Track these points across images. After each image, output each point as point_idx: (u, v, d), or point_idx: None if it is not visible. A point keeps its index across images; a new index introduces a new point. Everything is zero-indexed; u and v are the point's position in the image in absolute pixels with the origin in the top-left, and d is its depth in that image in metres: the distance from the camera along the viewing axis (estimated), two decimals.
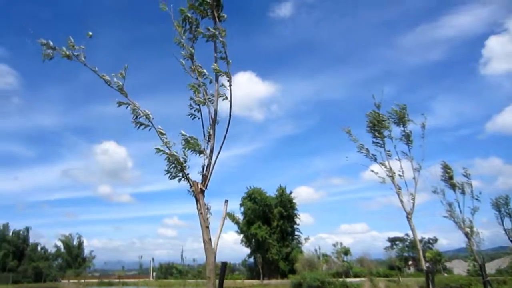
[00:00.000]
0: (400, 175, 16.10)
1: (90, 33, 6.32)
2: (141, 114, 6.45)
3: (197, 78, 6.85)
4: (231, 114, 6.69)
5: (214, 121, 6.68)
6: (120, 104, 6.46)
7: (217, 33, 6.71)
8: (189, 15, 6.89)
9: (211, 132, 6.65)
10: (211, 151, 6.58)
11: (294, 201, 60.41)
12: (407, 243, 62.12)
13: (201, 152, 6.53)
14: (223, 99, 6.73)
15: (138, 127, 6.53)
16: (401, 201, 15.55)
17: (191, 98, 6.84)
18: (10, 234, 72.58)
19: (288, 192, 60.05)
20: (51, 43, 6.32)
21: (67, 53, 6.31)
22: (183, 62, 6.93)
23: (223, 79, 6.84)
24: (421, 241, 53.37)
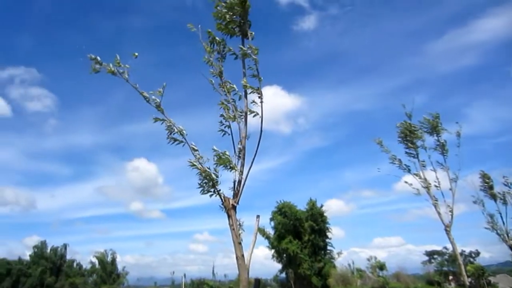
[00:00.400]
0: (436, 186, 15.57)
1: (136, 54, 6.64)
2: (176, 130, 6.60)
3: (226, 95, 6.95)
4: (262, 129, 6.72)
5: (245, 137, 6.72)
6: (156, 120, 6.64)
7: (249, 51, 6.83)
8: (217, 38, 7.09)
9: (242, 148, 6.68)
10: (242, 167, 6.61)
11: (325, 214, 59.17)
12: (446, 256, 59.38)
13: (232, 168, 6.56)
14: (254, 116, 6.78)
15: (172, 143, 6.66)
16: (439, 213, 15.01)
17: (222, 115, 6.93)
18: (48, 251, 75.11)
19: (319, 205, 58.95)
20: (99, 59, 6.66)
21: (113, 69, 6.62)
22: (212, 81, 7.07)
23: (253, 95, 6.92)
24: (461, 254, 50.96)
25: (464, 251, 58.48)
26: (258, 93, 6.77)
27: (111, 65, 6.63)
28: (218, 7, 7.09)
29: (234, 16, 6.94)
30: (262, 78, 6.83)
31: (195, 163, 6.41)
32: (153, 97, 6.62)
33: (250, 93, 6.89)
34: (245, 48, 6.90)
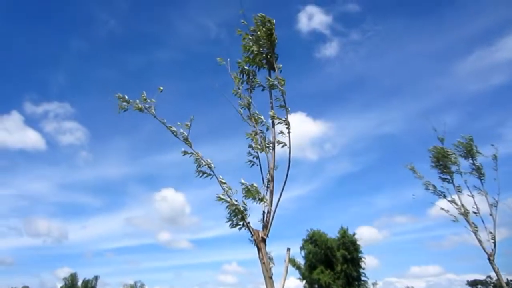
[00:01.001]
0: (474, 213, 14.77)
1: (161, 88, 6.78)
2: (204, 163, 6.62)
3: (254, 126, 6.99)
4: (290, 160, 6.65)
5: (273, 168, 6.66)
6: (184, 153, 6.69)
7: (275, 82, 6.90)
8: (246, 67, 7.21)
9: (271, 179, 6.61)
10: (271, 198, 6.51)
11: (358, 243, 57.19)
12: (491, 286, 55.84)
13: (261, 200, 6.47)
14: (282, 146, 6.74)
15: (200, 176, 6.67)
16: (479, 241, 14.14)
17: (250, 146, 6.94)
18: (79, 283, 75.82)
19: (350, 233, 57.15)
20: (126, 97, 6.87)
21: (140, 106, 6.79)
22: (241, 111, 7.14)
23: (280, 126, 6.92)
24: (508, 284, 47.71)
25: (511, 281, 54.78)
26: (286, 124, 6.77)
27: (137, 101, 6.80)
28: (245, 40, 7.25)
29: (262, 49, 7.06)
30: (289, 108, 6.86)
31: (223, 197, 6.36)
32: (181, 130, 6.70)
33: (277, 123, 6.90)
34: (272, 79, 6.97)
